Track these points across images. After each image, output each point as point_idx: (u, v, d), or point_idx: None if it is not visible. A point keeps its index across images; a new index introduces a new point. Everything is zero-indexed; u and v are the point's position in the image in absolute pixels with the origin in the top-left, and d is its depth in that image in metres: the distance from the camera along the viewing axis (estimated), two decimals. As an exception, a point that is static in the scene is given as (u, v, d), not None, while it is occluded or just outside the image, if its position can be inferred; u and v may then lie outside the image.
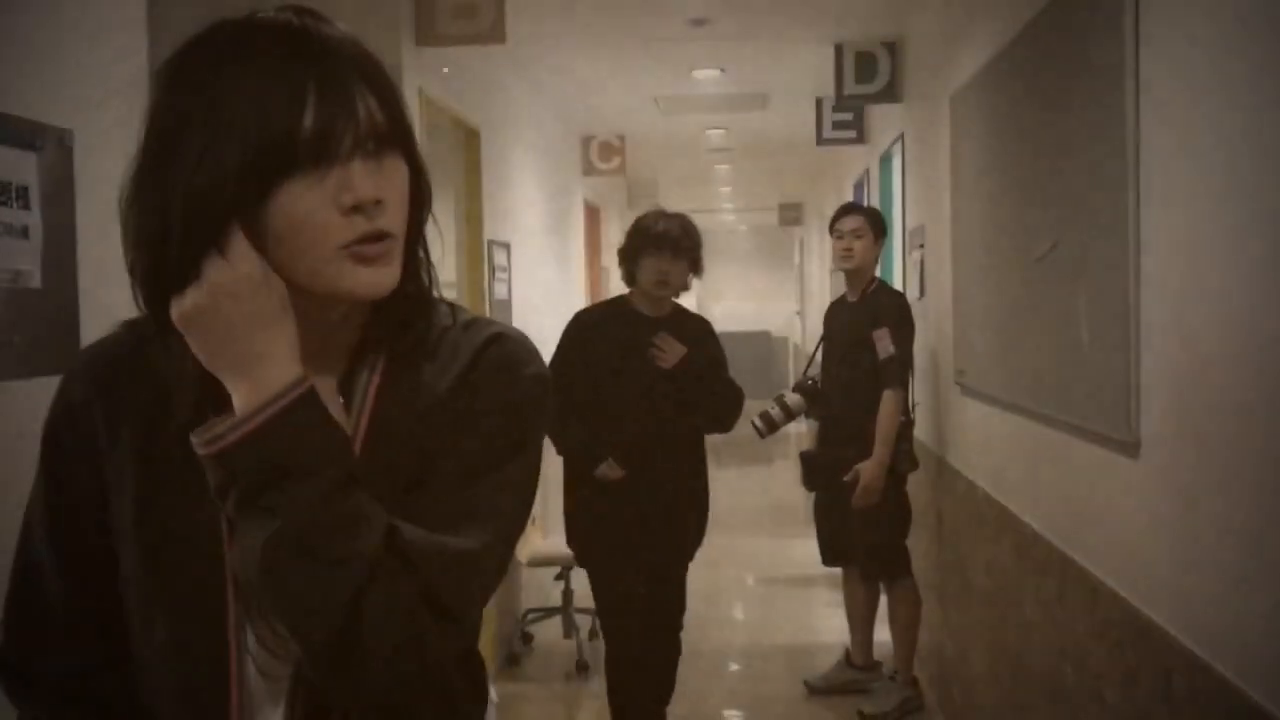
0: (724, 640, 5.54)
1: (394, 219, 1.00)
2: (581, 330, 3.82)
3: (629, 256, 3.76)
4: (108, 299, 1.97)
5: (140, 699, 1.11)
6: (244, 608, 1.04)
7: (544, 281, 6.35)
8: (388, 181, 0.99)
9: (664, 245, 3.69)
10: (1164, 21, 2.07)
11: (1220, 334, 1.86)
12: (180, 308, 0.96)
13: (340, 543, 0.95)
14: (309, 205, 0.96)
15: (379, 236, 0.99)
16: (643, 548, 3.69)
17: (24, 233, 1.81)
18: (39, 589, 1.12)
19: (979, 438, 3.76)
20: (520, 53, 5.29)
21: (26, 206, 1.82)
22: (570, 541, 3.82)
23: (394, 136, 1.01)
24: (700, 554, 3.91)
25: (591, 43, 5.50)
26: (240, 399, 0.96)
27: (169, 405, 1.04)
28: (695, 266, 3.79)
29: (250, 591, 1.00)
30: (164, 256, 0.97)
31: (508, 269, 5.31)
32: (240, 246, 0.96)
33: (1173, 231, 2.05)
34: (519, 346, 1.11)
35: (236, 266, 0.95)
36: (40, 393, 1.81)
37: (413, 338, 1.09)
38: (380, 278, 1.00)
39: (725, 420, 3.82)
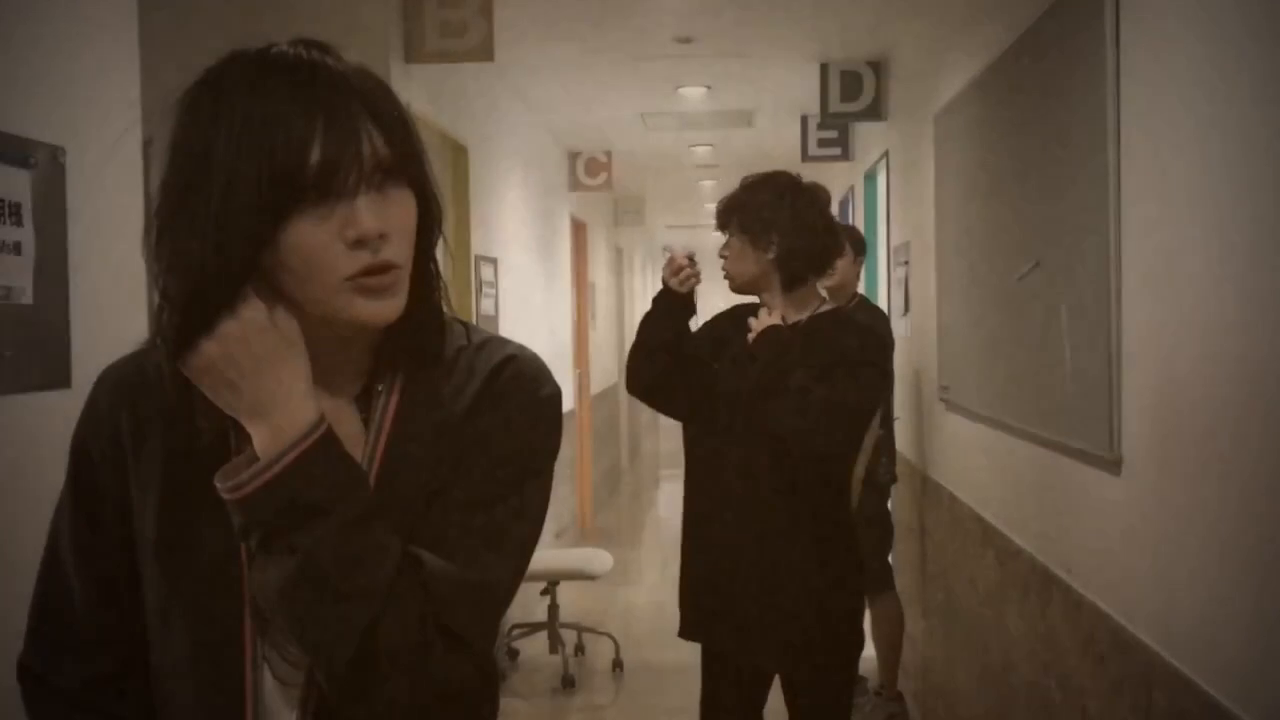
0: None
1: (398, 250, 1.03)
2: (710, 324, 2.92)
3: None
4: (99, 315, 1.98)
5: (157, 706, 1.13)
6: (260, 619, 1.06)
7: (531, 297, 6.36)
8: (392, 214, 1.02)
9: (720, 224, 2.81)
10: (1145, 44, 2.10)
11: (1201, 352, 1.89)
12: (193, 360, 0.99)
13: (356, 577, 0.99)
14: (315, 239, 0.98)
15: (383, 268, 1.01)
16: (732, 636, 2.73)
17: (16, 249, 1.82)
18: (63, 599, 1.15)
19: (963, 453, 3.78)
20: (508, 70, 5.31)
21: (19, 223, 1.83)
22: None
23: (399, 169, 1.03)
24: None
25: (579, 60, 5.53)
26: (259, 442, 1.00)
27: (195, 420, 1.06)
28: (753, 237, 2.73)
29: (268, 614, 1.04)
30: (195, 305, 0.99)
31: (495, 284, 5.33)
32: (244, 292, 0.99)
33: (1153, 250, 2.08)
34: (533, 367, 1.14)
35: (241, 313, 0.99)
36: (31, 408, 1.83)
37: (429, 357, 1.11)
38: (384, 308, 1.03)
39: (789, 446, 2.62)
